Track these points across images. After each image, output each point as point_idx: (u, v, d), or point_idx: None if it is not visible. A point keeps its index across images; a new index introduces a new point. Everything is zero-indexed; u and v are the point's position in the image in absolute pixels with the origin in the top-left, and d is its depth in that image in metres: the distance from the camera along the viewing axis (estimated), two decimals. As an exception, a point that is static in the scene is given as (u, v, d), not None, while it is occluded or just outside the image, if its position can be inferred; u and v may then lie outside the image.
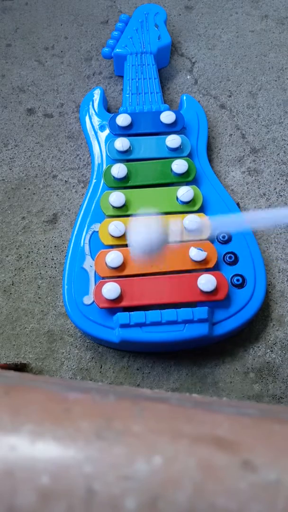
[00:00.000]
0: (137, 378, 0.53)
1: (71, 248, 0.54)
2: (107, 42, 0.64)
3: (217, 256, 0.51)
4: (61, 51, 0.70)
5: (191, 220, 0.50)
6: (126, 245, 0.53)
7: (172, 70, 0.68)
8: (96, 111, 0.60)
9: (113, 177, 0.54)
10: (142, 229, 0.37)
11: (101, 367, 0.53)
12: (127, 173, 0.54)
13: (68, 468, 0.22)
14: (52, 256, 0.57)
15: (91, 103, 0.61)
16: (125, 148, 0.55)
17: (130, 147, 0.56)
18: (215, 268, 0.52)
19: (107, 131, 0.59)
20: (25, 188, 0.61)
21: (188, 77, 0.68)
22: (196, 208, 0.54)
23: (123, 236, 0.52)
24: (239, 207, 0.59)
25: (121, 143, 0.55)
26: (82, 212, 0.55)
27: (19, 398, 0.25)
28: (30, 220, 0.59)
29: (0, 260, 0.58)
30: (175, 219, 0.49)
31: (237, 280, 0.52)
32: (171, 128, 0.57)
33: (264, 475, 0.21)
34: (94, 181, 0.57)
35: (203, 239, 0.52)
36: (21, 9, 0.73)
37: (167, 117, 0.57)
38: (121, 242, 0.52)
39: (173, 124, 0.57)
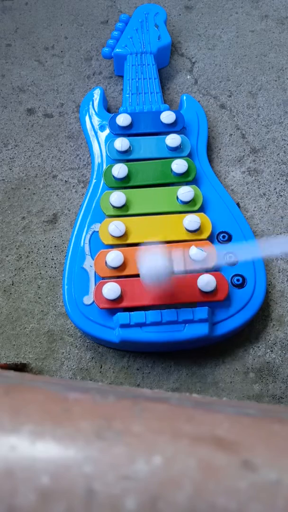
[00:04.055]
0: (137, 378, 0.53)
1: (71, 248, 0.54)
2: (107, 42, 0.64)
3: (216, 257, 0.51)
4: (61, 51, 0.70)
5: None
6: (126, 245, 0.53)
7: (172, 70, 0.68)
8: (96, 111, 0.60)
9: (113, 177, 0.54)
10: (150, 260, 0.39)
11: (101, 367, 0.53)
12: (127, 173, 0.54)
13: (68, 468, 0.22)
14: (52, 256, 0.57)
15: (91, 103, 0.61)
16: (124, 148, 0.55)
17: (130, 147, 0.56)
18: (215, 269, 0.52)
19: (107, 131, 0.59)
20: (25, 188, 0.61)
21: (188, 77, 0.68)
22: (196, 208, 0.54)
23: (123, 236, 0.52)
24: (239, 207, 0.59)
25: (121, 143, 0.55)
26: (82, 212, 0.55)
27: (19, 398, 0.25)
28: (30, 220, 0.59)
29: (0, 260, 0.58)
30: (179, 249, 0.48)
31: (237, 280, 0.52)
32: (171, 128, 0.57)
33: (264, 475, 0.21)
34: (94, 181, 0.57)
35: (209, 268, 0.50)
36: (21, 9, 0.73)
37: (167, 117, 0.57)
38: (121, 242, 0.52)
39: (173, 124, 0.57)
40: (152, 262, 0.40)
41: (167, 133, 0.57)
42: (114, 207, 0.53)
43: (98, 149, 0.58)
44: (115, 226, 0.51)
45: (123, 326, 0.49)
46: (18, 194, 0.61)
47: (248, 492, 0.21)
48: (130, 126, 0.57)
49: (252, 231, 0.55)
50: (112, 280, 0.50)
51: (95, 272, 0.52)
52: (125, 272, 0.51)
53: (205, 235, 0.53)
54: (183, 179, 0.55)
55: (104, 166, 0.57)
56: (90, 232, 0.54)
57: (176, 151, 0.56)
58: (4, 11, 0.73)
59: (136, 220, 0.53)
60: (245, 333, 0.54)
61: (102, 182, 0.56)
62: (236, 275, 0.52)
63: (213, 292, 0.49)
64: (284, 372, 0.52)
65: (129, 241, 0.52)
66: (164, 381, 0.53)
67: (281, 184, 0.61)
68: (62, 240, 0.58)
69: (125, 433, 0.23)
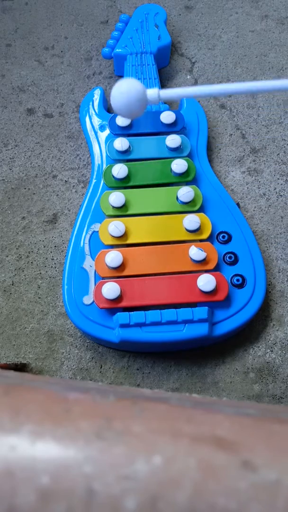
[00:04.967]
0: (137, 378, 0.53)
1: (71, 248, 0.54)
2: (107, 42, 0.64)
3: (217, 257, 0.51)
4: (61, 51, 0.70)
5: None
6: (126, 245, 0.53)
7: (172, 70, 0.68)
8: (96, 111, 0.60)
9: (113, 177, 0.54)
10: (124, 89, 0.39)
11: (101, 367, 0.53)
12: (127, 173, 0.54)
13: (68, 468, 0.22)
14: (52, 256, 0.57)
15: (91, 103, 0.61)
16: (124, 148, 0.55)
17: (129, 147, 0.56)
18: (215, 268, 0.52)
19: (107, 131, 0.59)
20: (25, 188, 0.61)
21: (188, 77, 0.68)
22: (196, 208, 0.54)
23: (123, 236, 0.52)
24: (239, 207, 0.59)
25: (120, 143, 0.55)
26: (82, 212, 0.55)
27: (19, 398, 0.25)
28: (30, 220, 0.59)
29: (0, 260, 0.58)
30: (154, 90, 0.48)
31: (237, 280, 0.52)
32: (171, 128, 0.57)
33: (264, 475, 0.21)
34: (94, 181, 0.57)
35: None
36: (21, 9, 0.73)
37: (167, 117, 0.57)
38: (121, 242, 0.52)
39: (173, 124, 0.57)
40: (125, 89, 0.40)
41: (167, 133, 0.57)
42: (113, 207, 0.53)
43: (98, 149, 0.58)
44: (115, 226, 0.51)
45: (123, 326, 0.49)
46: (18, 194, 0.61)
47: (248, 492, 0.21)
48: (130, 126, 0.57)
49: (252, 231, 0.55)
50: (111, 280, 0.50)
51: (95, 272, 0.52)
52: (125, 273, 0.51)
53: (205, 235, 0.53)
54: (183, 179, 0.55)
55: (104, 166, 0.57)
56: (90, 232, 0.54)
57: (176, 151, 0.56)
58: (4, 11, 0.73)
59: (136, 220, 0.53)
60: (245, 333, 0.54)
61: (102, 182, 0.56)
62: (236, 275, 0.52)
63: (213, 292, 0.49)
64: (284, 372, 0.52)
65: (129, 241, 0.52)
66: (164, 381, 0.53)
67: (281, 184, 0.61)
68: (62, 240, 0.58)
69: (125, 433, 0.23)
